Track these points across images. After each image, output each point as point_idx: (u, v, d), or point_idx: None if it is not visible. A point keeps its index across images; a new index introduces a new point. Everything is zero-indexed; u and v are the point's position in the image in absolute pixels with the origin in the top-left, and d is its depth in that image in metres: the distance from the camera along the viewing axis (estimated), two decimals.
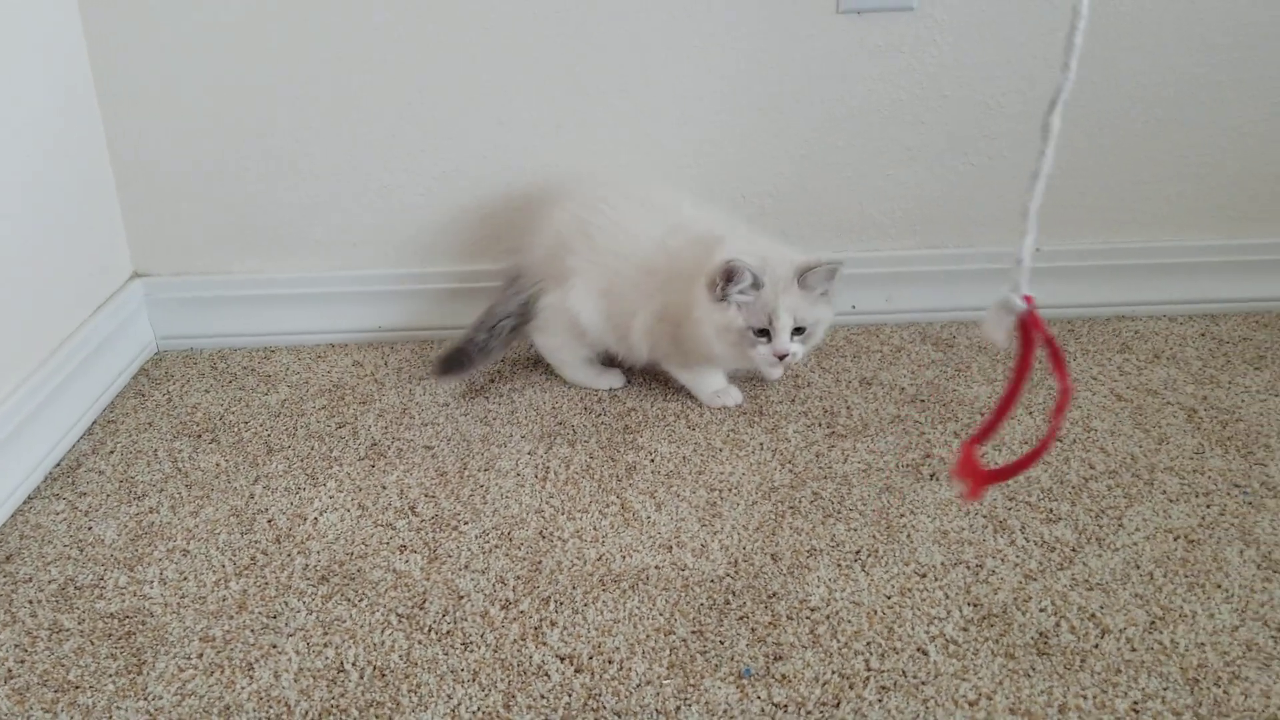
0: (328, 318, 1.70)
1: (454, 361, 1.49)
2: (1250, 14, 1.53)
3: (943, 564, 1.16)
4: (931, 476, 1.31)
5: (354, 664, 1.04)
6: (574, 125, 1.60)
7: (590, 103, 1.59)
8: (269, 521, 1.26)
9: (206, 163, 1.62)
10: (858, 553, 1.18)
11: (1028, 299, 0.83)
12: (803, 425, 1.43)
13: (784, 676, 1.02)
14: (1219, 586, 1.11)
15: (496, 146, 1.61)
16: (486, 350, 1.50)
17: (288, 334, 1.69)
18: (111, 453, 1.42)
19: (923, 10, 1.53)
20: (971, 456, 0.89)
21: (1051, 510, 1.24)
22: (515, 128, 1.60)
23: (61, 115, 1.49)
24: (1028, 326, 0.83)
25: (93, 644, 1.08)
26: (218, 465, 1.38)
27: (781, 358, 1.35)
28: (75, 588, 1.16)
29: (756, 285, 1.33)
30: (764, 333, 1.35)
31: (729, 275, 1.32)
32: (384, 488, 1.32)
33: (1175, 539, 1.19)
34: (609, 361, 1.55)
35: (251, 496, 1.31)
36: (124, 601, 1.14)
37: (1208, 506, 1.24)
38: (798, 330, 1.36)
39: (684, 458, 1.37)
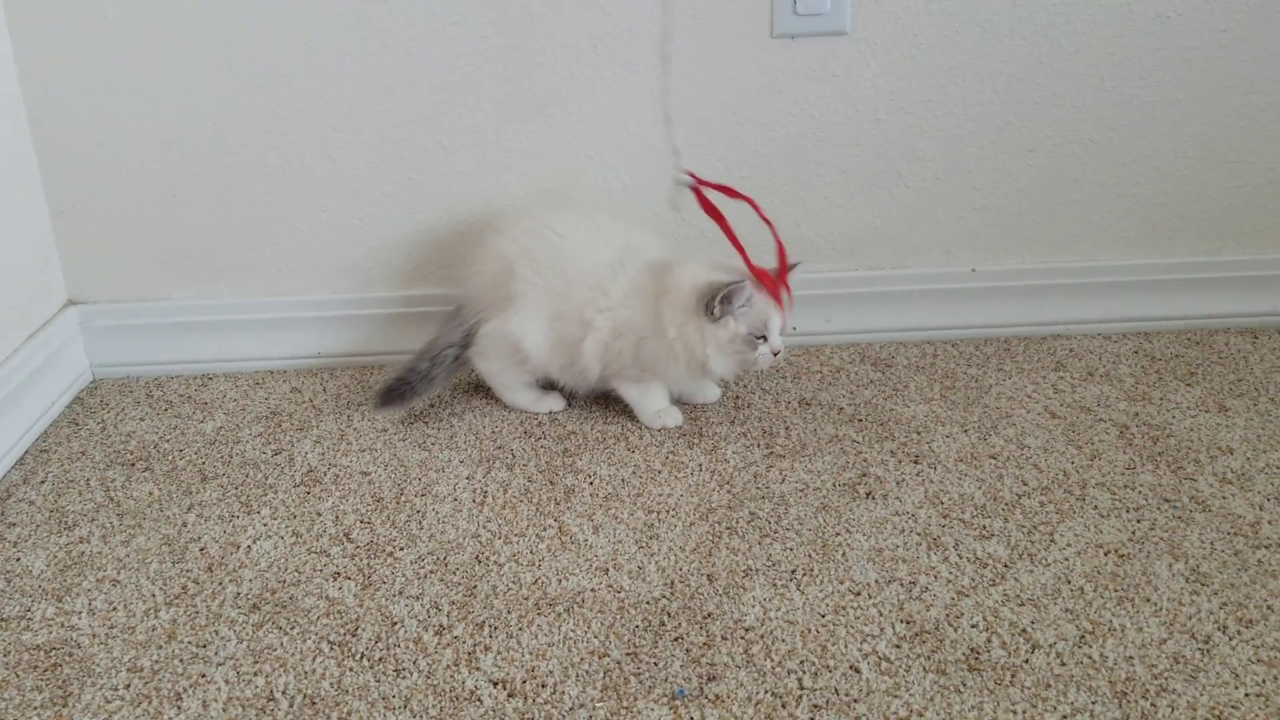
0: (266, 344, 1.68)
1: (395, 392, 1.49)
2: (1178, 38, 1.57)
3: (877, 582, 1.17)
4: (868, 495, 1.32)
5: (284, 692, 1.03)
6: (510, 150, 1.61)
7: (525, 128, 1.60)
8: (201, 550, 1.25)
9: (141, 189, 1.61)
10: (793, 572, 1.19)
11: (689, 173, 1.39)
12: (741, 446, 1.44)
13: (717, 697, 1.02)
14: (1148, 600, 1.13)
15: (434, 171, 1.62)
16: (429, 379, 1.50)
17: (226, 361, 1.68)
18: (42, 482, 1.40)
19: (856, 35, 1.56)
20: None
21: (985, 527, 1.25)
22: (453, 152, 1.61)
23: None
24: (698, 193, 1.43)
25: (17, 676, 1.06)
26: (151, 494, 1.37)
27: (776, 353, 1.41)
28: (0, 619, 1.14)
29: (750, 298, 1.39)
30: (761, 336, 1.40)
31: (729, 297, 1.37)
32: (319, 514, 1.31)
33: (1106, 554, 1.20)
34: (549, 386, 1.55)
35: (184, 525, 1.30)
36: (51, 633, 1.12)
37: (1138, 521, 1.26)
38: None
39: (623, 480, 1.37)
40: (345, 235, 1.65)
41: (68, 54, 1.53)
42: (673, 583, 1.17)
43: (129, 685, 1.05)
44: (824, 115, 1.61)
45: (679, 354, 1.42)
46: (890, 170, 1.64)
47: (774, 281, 1.42)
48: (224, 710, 1.01)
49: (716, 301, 1.37)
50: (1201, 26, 1.57)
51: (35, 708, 1.02)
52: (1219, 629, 1.08)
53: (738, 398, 1.56)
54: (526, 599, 1.15)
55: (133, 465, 1.43)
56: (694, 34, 1.55)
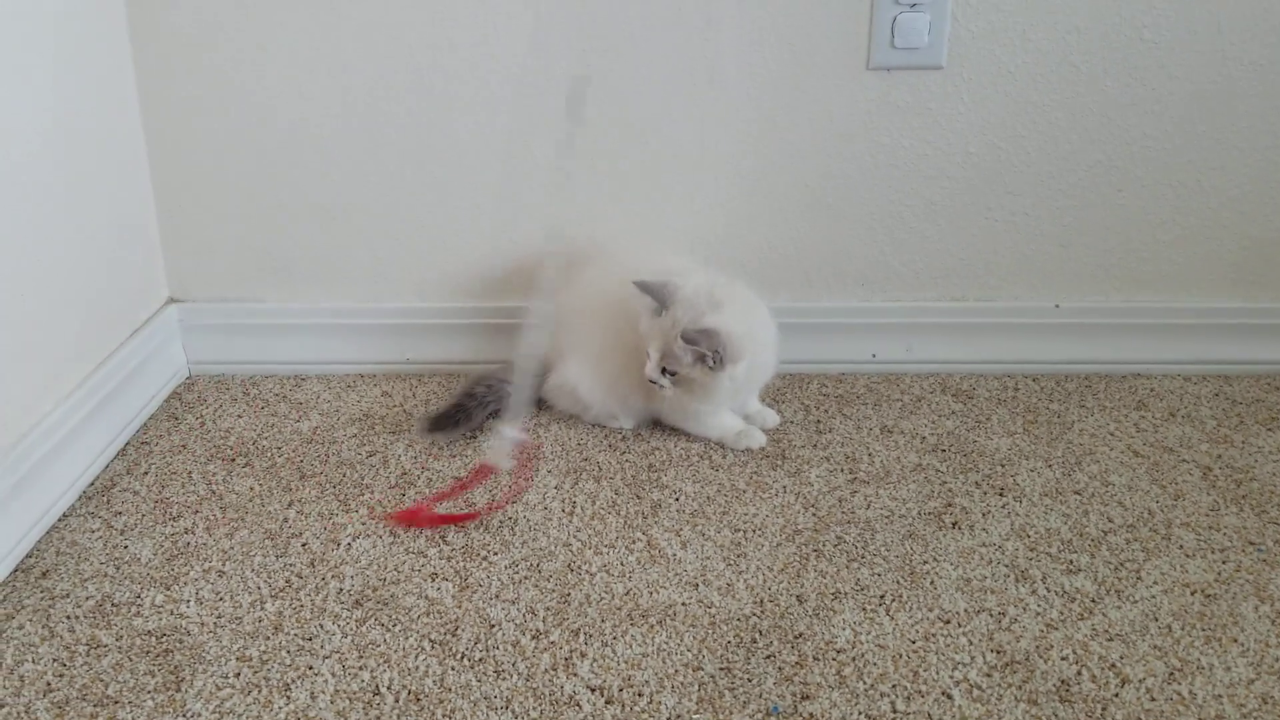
0: (357, 349, 1.72)
1: (448, 418, 1.50)
2: (1271, 85, 1.58)
3: (966, 611, 1.18)
4: (954, 525, 1.33)
5: (389, 688, 1.06)
6: (596, 173, 1.64)
7: (613, 153, 1.63)
8: (303, 545, 1.29)
9: (245, 193, 1.66)
10: (882, 597, 1.20)
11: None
12: (825, 470, 1.45)
13: (811, 716, 1.03)
14: (1235, 640, 1.13)
15: (519, 192, 1.65)
16: (485, 406, 1.51)
17: (318, 363, 1.72)
18: (146, 474, 1.44)
19: (951, 69, 1.58)
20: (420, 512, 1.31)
21: (1072, 561, 1.26)
22: (539, 176, 1.64)
23: (106, 142, 1.53)
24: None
25: (131, 660, 1.10)
26: (251, 489, 1.40)
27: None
28: (112, 605, 1.18)
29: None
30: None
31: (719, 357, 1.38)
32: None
33: (1192, 593, 1.21)
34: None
35: (285, 520, 1.34)
36: (161, 620, 1.16)
37: (1224, 562, 1.26)
38: None
39: (708, 498, 1.39)
40: (438, 246, 1.69)
41: (183, 60, 1.58)
42: (762, 601, 1.19)
43: (239, 674, 1.08)
44: (915, 147, 1.63)
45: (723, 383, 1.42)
46: (978, 203, 1.66)
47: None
48: (331, 703, 1.04)
49: (712, 355, 1.38)
50: None
51: (149, 691, 1.06)
52: None
53: (819, 422, 1.58)
54: (619, 609, 1.18)
55: (233, 460, 1.47)
56: (790, 63, 1.58)
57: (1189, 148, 1.62)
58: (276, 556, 1.26)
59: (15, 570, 1.24)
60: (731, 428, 1.51)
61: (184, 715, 1.03)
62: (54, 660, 1.10)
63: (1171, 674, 1.09)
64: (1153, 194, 1.65)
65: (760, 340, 1.45)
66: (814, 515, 1.35)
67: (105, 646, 1.12)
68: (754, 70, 1.59)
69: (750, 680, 1.08)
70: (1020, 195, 1.65)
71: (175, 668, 1.09)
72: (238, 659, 1.10)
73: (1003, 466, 1.46)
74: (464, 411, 1.50)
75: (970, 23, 1.55)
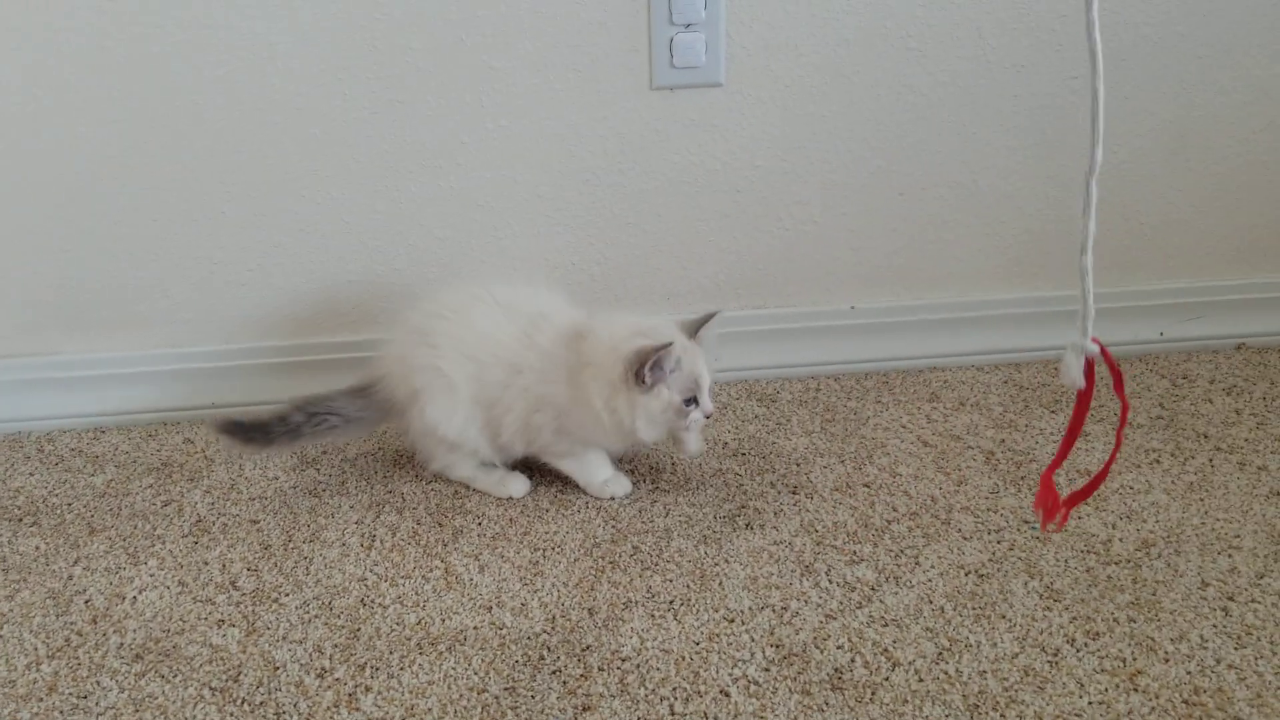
0: (159, 396, 1.70)
1: (246, 430, 1.41)
2: (1033, 86, 1.67)
3: (750, 608, 1.22)
4: (747, 526, 1.37)
5: None
6: (396, 203, 1.65)
7: (411, 180, 1.64)
8: (86, 602, 1.26)
9: (32, 242, 1.62)
10: (671, 602, 1.23)
11: (1095, 340, 1.06)
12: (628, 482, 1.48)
13: None
14: (1003, 617, 1.19)
15: (321, 224, 1.65)
16: (295, 434, 1.43)
17: (119, 414, 1.69)
18: None
19: (730, 87, 1.63)
20: (1049, 485, 1.05)
21: (855, 552, 1.31)
22: (341, 205, 1.64)
23: None
24: (1092, 365, 1.05)
25: None
26: (37, 548, 1.37)
27: (708, 416, 1.39)
28: None
29: (678, 361, 1.35)
30: (691, 400, 1.37)
31: (659, 363, 1.32)
32: (206, 563, 1.32)
33: (966, 574, 1.27)
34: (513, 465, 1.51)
35: (70, 578, 1.31)
36: None
37: (998, 543, 1.32)
38: None
39: (511, 519, 1.41)
40: (237, 286, 1.67)
41: None
42: (554, 618, 1.21)
43: None
44: (704, 163, 1.67)
45: (607, 425, 1.36)
46: (769, 214, 1.71)
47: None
48: None
49: (647, 369, 1.32)
50: (1055, 74, 1.67)
51: None
52: (1068, 642, 1.15)
53: None
54: (409, 639, 1.18)
55: (19, 520, 1.44)
56: (577, 87, 1.61)
57: (961, 149, 1.70)
58: (57, 615, 1.24)
59: None
60: (599, 474, 1.46)
61: None
62: None
63: (940, 654, 1.14)
64: (932, 195, 1.73)
65: None
66: (614, 528, 1.38)
67: None
68: (541, 96, 1.61)
69: (534, 697, 1.09)
70: (808, 204, 1.71)
71: None
72: None
73: (798, 466, 1.51)
74: (263, 430, 1.41)
75: (744, 40, 1.61)
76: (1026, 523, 1.36)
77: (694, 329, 1.40)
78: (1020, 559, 1.29)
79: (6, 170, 1.57)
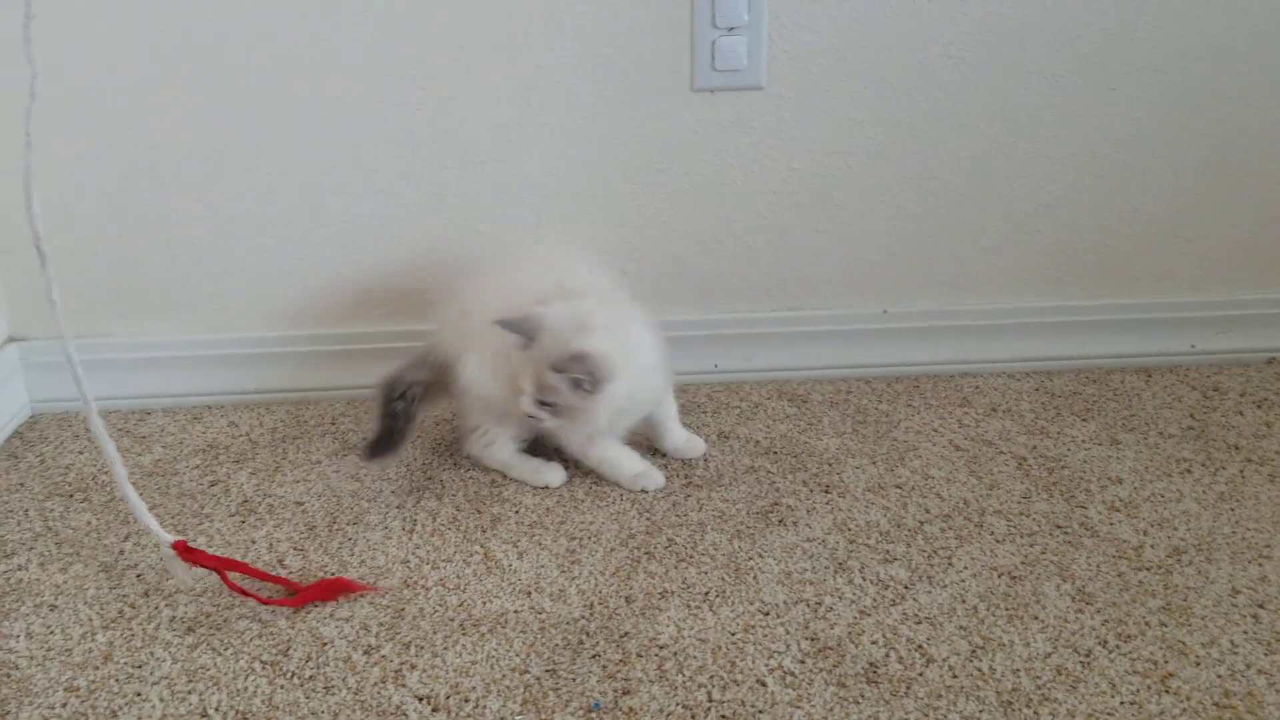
0: (203, 380, 1.73)
1: (385, 442, 1.48)
2: (1071, 96, 1.69)
3: (785, 602, 1.24)
4: (780, 522, 1.39)
5: (217, 709, 1.08)
6: (440, 197, 1.69)
7: (454, 175, 1.68)
8: (138, 576, 1.30)
9: (83, 228, 1.65)
10: (706, 594, 1.26)
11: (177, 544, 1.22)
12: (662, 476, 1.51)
13: (631, 709, 1.08)
14: (1036, 618, 1.21)
15: (367, 216, 1.69)
16: (410, 417, 1.49)
17: (164, 396, 1.72)
18: None
19: (771, 90, 1.66)
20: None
21: (888, 551, 1.33)
22: (386, 198, 1.68)
23: None
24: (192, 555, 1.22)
25: None
26: (88, 523, 1.41)
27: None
28: None
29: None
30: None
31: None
32: (254, 542, 1.36)
33: (999, 576, 1.29)
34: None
35: (121, 553, 1.34)
36: None
37: (1031, 546, 1.34)
38: None
39: (547, 509, 1.43)
40: (282, 275, 1.71)
41: (12, 90, 1.57)
42: (592, 604, 1.24)
43: (65, 704, 1.09)
44: (742, 164, 1.70)
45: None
46: (805, 217, 1.74)
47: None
48: None
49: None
50: (1093, 85, 1.68)
51: None
52: (1100, 644, 1.17)
53: None
54: (452, 620, 1.21)
55: (71, 496, 1.47)
56: (619, 88, 1.64)
57: (998, 157, 1.72)
58: (110, 588, 1.27)
59: None
60: (629, 469, 1.48)
61: None
62: None
63: (974, 651, 1.16)
64: (970, 202, 1.75)
65: (638, 359, 1.41)
66: (648, 520, 1.41)
67: None
68: (584, 95, 1.64)
69: (574, 680, 1.12)
70: (844, 207, 1.73)
71: (1, 702, 1.09)
72: (65, 689, 1.11)
73: (830, 465, 1.53)
74: (396, 430, 1.47)
75: (785, 44, 1.63)
76: (1059, 527, 1.38)
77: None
78: (1052, 562, 1.31)
79: (61, 157, 1.61)
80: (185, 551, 1.22)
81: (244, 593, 1.23)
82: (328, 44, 1.59)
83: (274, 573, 1.28)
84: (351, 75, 1.61)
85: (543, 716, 1.07)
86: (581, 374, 1.34)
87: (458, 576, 1.29)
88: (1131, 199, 1.75)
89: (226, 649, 1.17)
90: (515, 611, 1.23)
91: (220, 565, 1.24)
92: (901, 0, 1.62)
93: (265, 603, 1.23)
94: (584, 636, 1.18)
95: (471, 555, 1.33)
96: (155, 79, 1.59)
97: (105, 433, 1.23)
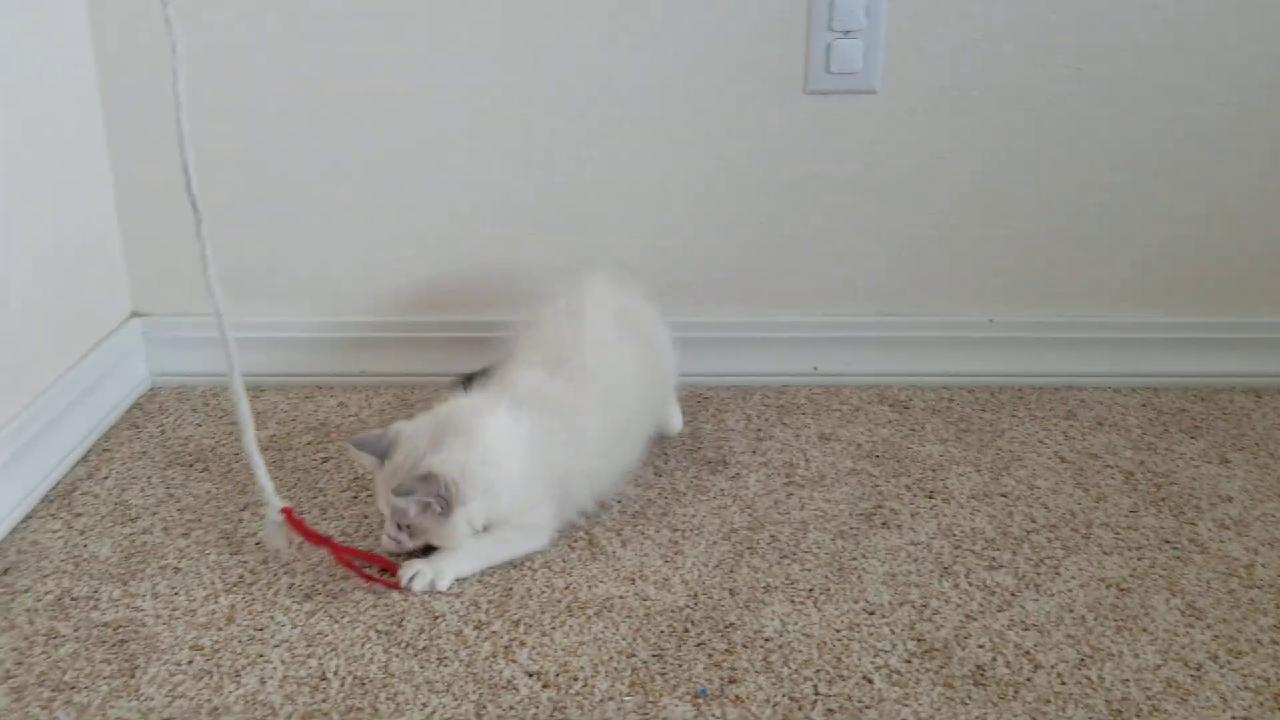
0: (314, 361, 1.78)
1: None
2: (1187, 111, 1.67)
3: (890, 603, 1.24)
4: (883, 525, 1.39)
5: (335, 673, 1.11)
6: (546, 191, 1.72)
7: (560, 171, 1.71)
8: (257, 544, 1.34)
9: (207, 214, 1.70)
10: (810, 590, 1.26)
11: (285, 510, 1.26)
12: (763, 475, 1.51)
13: (737, 697, 1.09)
14: (1145, 630, 1.20)
15: (475, 209, 1.73)
16: None
17: (276, 375, 1.77)
18: (106, 478, 1.49)
19: (884, 94, 1.66)
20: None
21: (994, 558, 1.32)
22: (496, 192, 1.71)
23: (71, 160, 1.59)
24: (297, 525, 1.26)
25: (87, 650, 1.15)
26: (208, 492, 1.46)
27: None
28: (71, 599, 1.23)
29: None
30: None
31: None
32: (365, 517, 1.39)
33: (1107, 587, 1.27)
34: None
35: (240, 521, 1.39)
36: (117, 613, 1.21)
37: (1139, 559, 1.33)
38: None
39: (649, 500, 1.45)
40: (393, 263, 1.75)
41: (149, 75, 1.64)
42: (696, 594, 1.25)
43: (191, 661, 1.13)
44: (850, 167, 1.70)
45: None
46: (912, 222, 1.73)
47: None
48: (280, 686, 1.09)
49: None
50: (1210, 100, 1.66)
51: (105, 677, 1.11)
52: (1210, 658, 1.15)
53: (759, 430, 1.64)
54: (558, 602, 1.23)
55: (190, 466, 1.52)
56: (730, 87, 1.66)
57: (1111, 168, 1.70)
58: (231, 554, 1.31)
59: None
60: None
61: (138, 699, 1.08)
62: (13, 649, 1.15)
63: (1082, 660, 1.15)
64: (1078, 212, 1.73)
65: (498, 464, 1.28)
66: (750, 516, 1.41)
67: (63, 637, 1.17)
68: (693, 94, 1.66)
69: (680, 665, 1.13)
70: (951, 213, 1.73)
71: (130, 656, 1.14)
72: (190, 648, 1.15)
73: (933, 471, 1.53)
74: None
75: (903, 49, 1.63)
76: (1168, 542, 1.36)
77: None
78: (1161, 576, 1.29)
79: (193, 142, 1.66)
80: (291, 520, 1.26)
81: (351, 566, 1.27)
82: (455, 41, 1.63)
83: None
84: (470, 73, 1.65)
85: (650, 699, 1.08)
86: (429, 497, 1.22)
87: (563, 560, 1.31)
88: (1243, 216, 1.72)
89: (343, 617, 1.20)
90: (620, 597, 1.24)
91: (320, 542, 1.28)
92: (1027, 10, 1.62)
93: (369, 579, 1.26)
94: (689, 625, 1.20)
95: (575, 541, 1.35)
96: (274, 62, 1.64)
97: (243, 391, 1.29)
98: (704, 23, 1.63)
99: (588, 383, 1.38)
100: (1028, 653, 1.16)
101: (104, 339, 1.65)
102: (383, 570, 1.27)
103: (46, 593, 1.24)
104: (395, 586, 1.25)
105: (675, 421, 1.62)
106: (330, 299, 1.76)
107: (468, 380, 1.52)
